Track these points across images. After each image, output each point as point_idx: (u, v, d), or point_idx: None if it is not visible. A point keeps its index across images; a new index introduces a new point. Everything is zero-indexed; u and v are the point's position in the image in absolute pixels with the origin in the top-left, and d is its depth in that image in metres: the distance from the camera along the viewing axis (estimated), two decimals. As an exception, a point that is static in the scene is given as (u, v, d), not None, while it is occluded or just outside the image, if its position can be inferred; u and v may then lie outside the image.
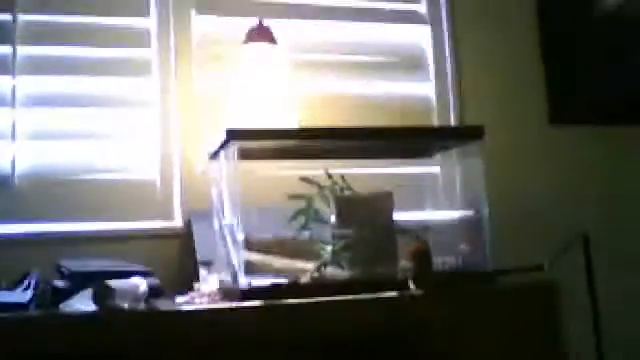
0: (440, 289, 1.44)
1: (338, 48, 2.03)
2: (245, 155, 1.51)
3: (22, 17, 1.79)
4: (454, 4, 2.12)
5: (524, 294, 1.50)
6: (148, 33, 1.89)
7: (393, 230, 1.57)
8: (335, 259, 1.54)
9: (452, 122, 2.07)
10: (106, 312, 1.28)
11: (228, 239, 1.53)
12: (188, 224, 1.77)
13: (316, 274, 1.51)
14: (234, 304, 1.38)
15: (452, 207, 1.72)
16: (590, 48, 2.20)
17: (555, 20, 2.19)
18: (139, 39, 1.88)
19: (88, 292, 1.32)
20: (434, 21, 2.11)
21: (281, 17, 1.94)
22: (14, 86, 1.77)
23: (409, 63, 2.09)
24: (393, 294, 1.41)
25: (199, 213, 1.73)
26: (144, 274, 1.44)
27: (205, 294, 1.49)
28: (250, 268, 1.48)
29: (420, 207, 1.77)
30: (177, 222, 1.82)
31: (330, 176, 1.62)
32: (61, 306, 1.34)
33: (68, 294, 1.37)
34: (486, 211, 1.60)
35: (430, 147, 1.78)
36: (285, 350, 1.32)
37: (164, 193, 1.83)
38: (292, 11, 2.00)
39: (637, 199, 2.17)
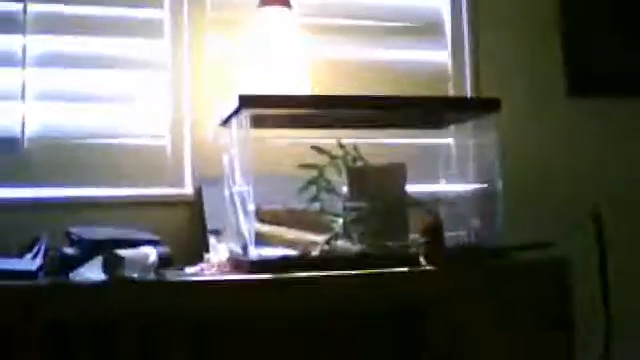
0: (451, 264, 1.43)
1: (353, 12, 1.99)
2: (257, 122, 1.49)
3: (34, -25, 1.77)
4: (473, -29, 2.07)
5: (535, 270, 1.49)
6: (161, -6, 1.86)
7: (405, 203, 1.55)
8: (346, 232, 1.53)
9: (468, 92, 2.03)
10: (115, 282, 1.27)
11: (239, 209, 1.52)
12: (198, 191, 1.75)
13: (326, 247, 1.50)
14: (243, 277, 1.37)
15: (465, 180, 1.70)
16: (608, 19, 2.15)
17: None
18: (152, 0, 1.85)
19: (98, 261, 1.31)
20: (453, -14, 2.07)
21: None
22: (25, 45, 1.74)
23: (426, 29, 2.04)
24: (404, 269, 1.40)
25: (210, 180, 1.72)
26: (154, 243, 1.43)
27: (214, 265, 1.48)
28: (260, 239, 1.47)
29: (433, 179, 1.75)
30: (187, 189, 1.81)
31: (342, 146, 1.60)
32: (71, 275, 1.33)
33: (77, 262, 1.37)
34: (499, 185, 1.58)
35: (445, 118, 1.75)
36: (292, 323, 1.32)
37: (174, 159, 1.82)
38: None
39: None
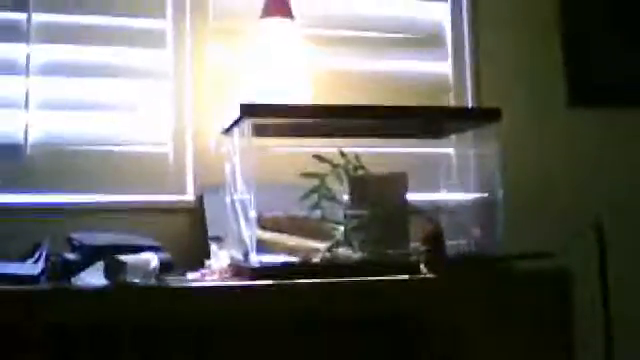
0: (452, 272, 1.43)
1: (355, 24, 2.00)
2: (259, 131, 1.49)
3: (38, -16, 1.78)
4: (474, -18, 2.09)
5: (536, 279, 1.49)
6: (164, 4, 1.87)
7: (406, 211, 1.56)
8: (347, 239, 1.53)
9: (469, 102, 2.04)
10: (117, 287, 1.27)
11: (240, 216, 1.52)
12: (200, 199, 1.76)
13: (328, 254, 1.51)
14: (244, 282, 1.37)
15: (466, 189, 1.70)
16: (609, 30, 2.17)
17: (575, 3, 2.15)
18: (154, 10, 1.86)
19: (99, 266, 1.32)
20: (454, -2, 2.08)
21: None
22: (28, 54, 1.75)
23: (427, 40, 2.06)
24: (404, 277, 1.40)
25: (211, 188, 1.72)
26: (155, 249, 1.44)
27: (215, 271, 1.49)
28: (262, 246, 1.47)
29: (434, 188, 1.75)
30: (189, 196, 1.81)
31: (344, 154, 1.61)
32: (73, 280, 1.34)
33: (79, 267, 1.37)
34: (500, 195, 1.58)
35: (445, 128, 1.76)
36: (293, 330, 1.32)
37: (177, 167, 1.82)
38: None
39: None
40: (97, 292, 1.27)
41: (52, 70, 1.77)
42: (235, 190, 1.58)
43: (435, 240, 1.49)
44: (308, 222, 1.58)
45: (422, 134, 1.79)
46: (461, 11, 2.08)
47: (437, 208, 1.66)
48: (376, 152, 1.72)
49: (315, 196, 1.60)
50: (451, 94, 2.04)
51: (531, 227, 1.85)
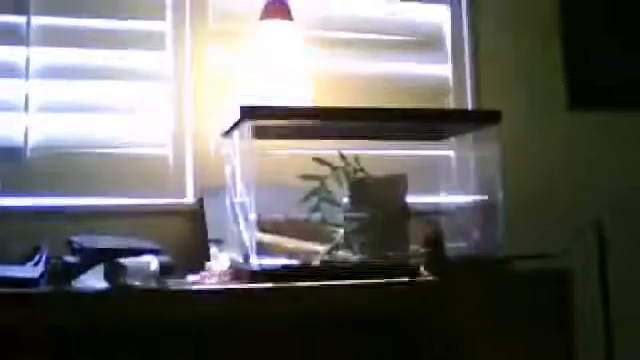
0: (452, 275, 1.43)
1: (355, 26, 2.00)
2: (259, 133, 1.49)
3: (37, -13, 1.78)
4: (474, -16, 2.09)
5: (535, 281, 1.49)
6: (164, 6, 1.87)
7: (406, 214, 1.56)
8: (347, 242, 1.53)
9: (469, 105, 2.04)
10: (117, 290, 1.27)
11: (240, 218, 1.52)
12: (200, 202, 1.76)
13: (327, 257, 1.51)
14: (244, 285, 1.37)
15: (466, 192, 1.70)
16: (609, 32, 2.17)
17: (575, 6, 2.15)
18: (154, 12, 1.86)
19: (100, 269, 1.32)
20: (453, 1, 2.08)
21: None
22: (28, 57, 1.75)
23: (427, 43, 2.06)
24: (404, 279, 1.40)
25: (211, 190, 1.72)
26: (155, 252, 1.43)
27: (215, 274, 1.49)
28: (261, 248, 1.47)
29: (433, 191, 1.75)
30: (189, 199, 1.81)
31: (343, 157, 1.61)
32: (73, 283, 1.33)
33: (79, 270, 1.37)
34: (500, 197, 1.58)
35: (445, 130, 1.76)
36: (292, 333, 1.32)
37: (177, 169, 1.82)
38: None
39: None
40: (97, 295, 1.27)
41: (52, 73, 1.77)
42: (235, 192, 1.58)
43: (435, 242, 1.49)
44: (308, 225, 1.58)
45: (422, 136, 1.80)
46: (461, 14, 2.08)
47: (437, 211, 1.66)
48: (376, 154, 1.71)
49: (315, 199, 1.60)
50: (451, 96, 2.04)
51: (532, 228, 1.85)
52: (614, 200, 2.03)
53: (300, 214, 1.60)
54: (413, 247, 1.53)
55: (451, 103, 2.04)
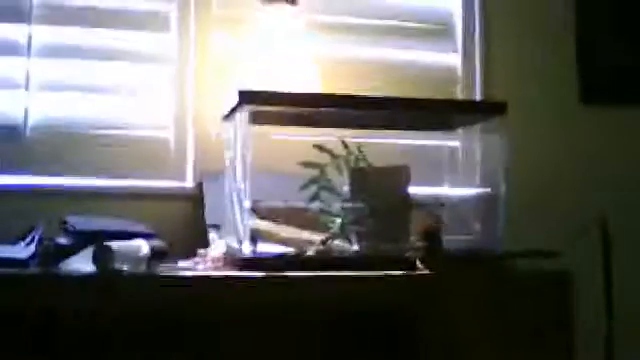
0: (448, 269, 1.41)
1: (361, 11, 1.97)
2: (259, 118, 1.47)
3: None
4: (486, -28, 2.05)
5: (535, 279, 1.46)
6: (169, -13, 1.85)
7: (407, 206, 1.53)
8: (343, 232, 1.51)
9: (477, 95, 2.01)
10: (103, 274, 1.26)
11: (237, 204, 1.50)
12: (200, 186, 1.74)
13: (322, 247, 1.48)
14: (231, 273, 1.36)
15: (470, 184, 1.67)
16: (623, 26, 2.12)
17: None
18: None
19: (89, 252, 1.30)
20: (465, -10, 2.04)
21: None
22: (30, 35, 1.74)
23: (437, 31, 2.02)
24: (399, 272, 1.37)
25: (211, 175, 1.70)
26: (149, 236, 1.42)
27: (209, 259, 1.47)
28: (257, 235, 1.45)
29: (437, 182, 1.72)
30: (188, 183, 1.80)
31: (346, 145, 1.58)
32: (60, 265, 1.32)
33: (71, 252, 1.36)
34: (504, 191, 1.55)
35: (451, 121, 1.73)
36: (282, 323, 1.30)
37: (177, 153, 1.81)
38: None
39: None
40: (82, 278, 1.25)
41: (53, 52, 1.76)
42: (234, 178, 1.55)
43: (432, 236, 1.46)
44: (305, 213, 1.56)
45: (428, 126, 1.76)
46: (473, 3, 2.03)
47: (439, 203, 1.63)
48: (380, 144, 1.68)
49: (314, 187, 1.57)
50: (459, 86, 2.00)
51: (536, 223, 1.83)
52: (618, 196, 2.00)
53: (299, 202, 1.58)
54: (411, 240, 1.50)
55: (459, 94, 2.00)
